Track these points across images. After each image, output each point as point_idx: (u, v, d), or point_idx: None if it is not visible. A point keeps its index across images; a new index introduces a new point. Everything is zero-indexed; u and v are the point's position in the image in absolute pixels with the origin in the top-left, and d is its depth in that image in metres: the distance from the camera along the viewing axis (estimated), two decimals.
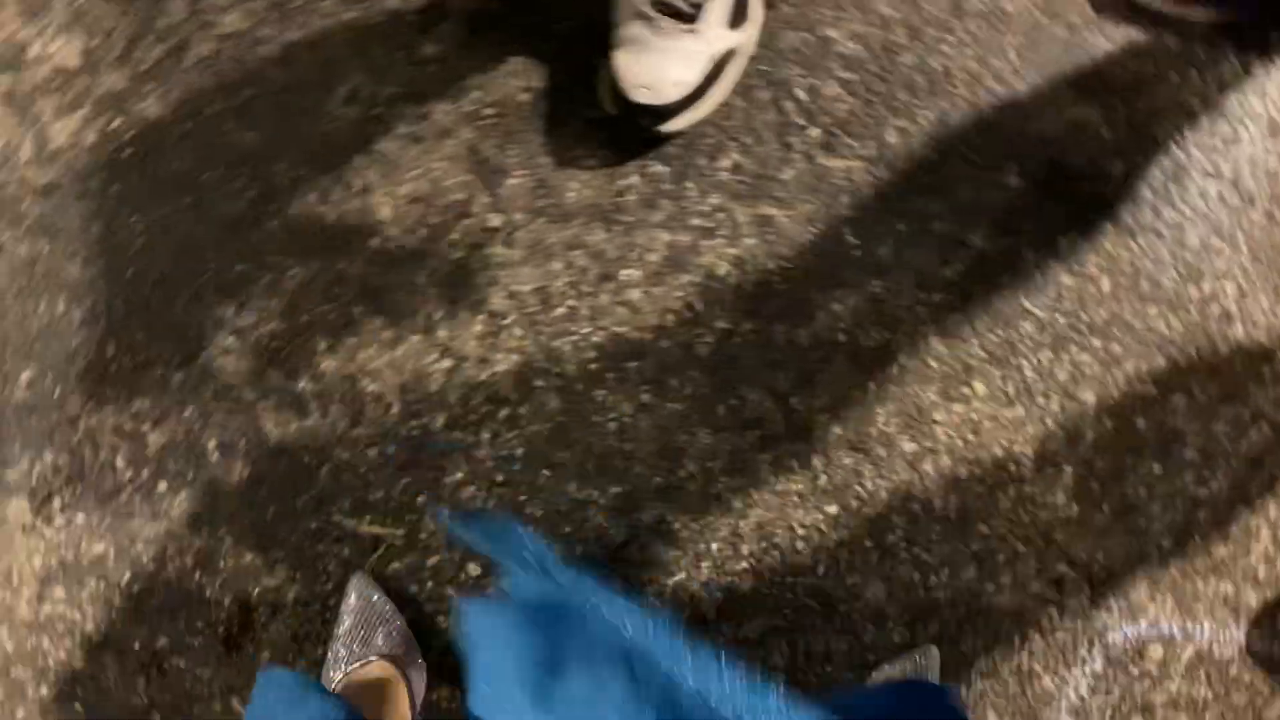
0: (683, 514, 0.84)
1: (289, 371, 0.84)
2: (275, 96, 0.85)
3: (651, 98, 0.80)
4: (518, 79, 0.86)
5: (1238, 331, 0.85)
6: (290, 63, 0.86)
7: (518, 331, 0.85)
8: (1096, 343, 0.84)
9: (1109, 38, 0.87)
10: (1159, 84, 0.87)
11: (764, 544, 0.83)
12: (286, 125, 0.84)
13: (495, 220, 0.85)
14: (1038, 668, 0.81)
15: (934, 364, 0.84)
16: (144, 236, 0.84)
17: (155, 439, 0.83)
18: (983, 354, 0.84)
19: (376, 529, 0.82)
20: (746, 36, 0.83)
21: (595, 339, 0.85)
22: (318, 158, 0.85)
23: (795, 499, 0.83)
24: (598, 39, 0.84)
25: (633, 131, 0.83)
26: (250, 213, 0.84)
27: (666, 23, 0.79)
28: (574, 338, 0.85)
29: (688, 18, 0.79)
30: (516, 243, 0.85)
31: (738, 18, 0.82)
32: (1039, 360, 0.84)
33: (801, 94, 0.86)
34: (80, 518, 0.82)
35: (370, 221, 0.85)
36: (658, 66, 0.80)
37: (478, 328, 0.85)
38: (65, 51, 0.86)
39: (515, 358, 0.85)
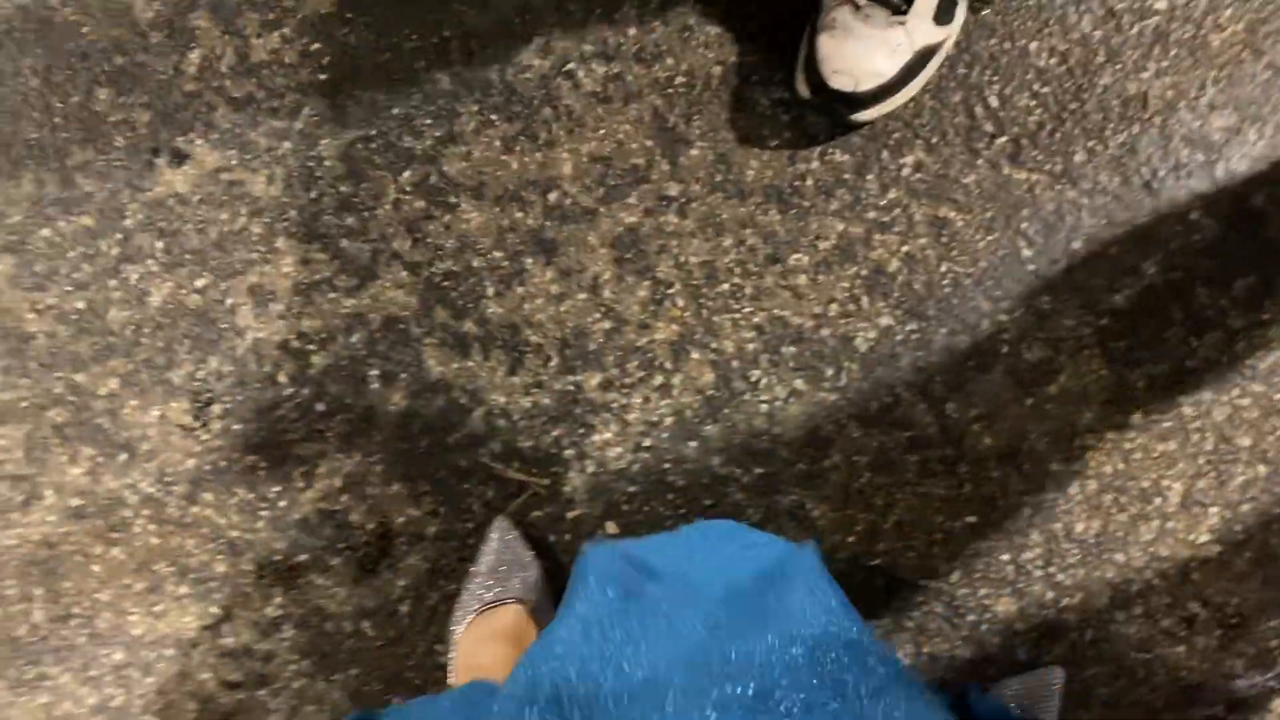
0: (822, 503, 0.85)
1: (456, 312, 0.86)
2: (470, 39, 0.86)
3: (849, 85, 0.81)
4: (712, 51, 0.87)
5: None
6: (488, 8, 0.87)
7: (680, 302, 0.86)
8: (1258, 388, 0.85)
9: None
10: None
11: (900, 543, 0.84)
12: (477, 69, 0.86)
13: (673, 189, 0.86)
14: (1159, 704, 0.81)
15: (1093, 387, 0.85)
16: (329, 161, 0.86)
17: (319, 360, 0.85)
18: (1143, 384, 0.85)
19: (523, 475, 0.84)
20: (949, 34, 0.84)
21: (756, 319, 0.86)
22: (504, 106, 0.86)
23: (937, 504, 0.85)
24: (799, 22, 0.85)
25: (821, 118, 0.84)
26: (431, 151, 0.86)
27: (876, 11, 0.80)
28: (735, 315, 0.86)
29: (898, 9, 0.79)
30: (690, 214, 0.86)
31: (944, 14, 0.82)
32: (1199, 399, 0.85)
33: (993, 101, 0.86)
34: (237, 427, 0.85)
35: (550, 174, 0.87)
36: (860, 55, 0.81)
37: (642, 293, 0.86)
38: None
39: (675, 327, 0.86)
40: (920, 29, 0.84)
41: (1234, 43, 0.90)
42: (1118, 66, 0.90)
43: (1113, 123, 0.90)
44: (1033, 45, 0.90)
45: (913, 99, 0.89)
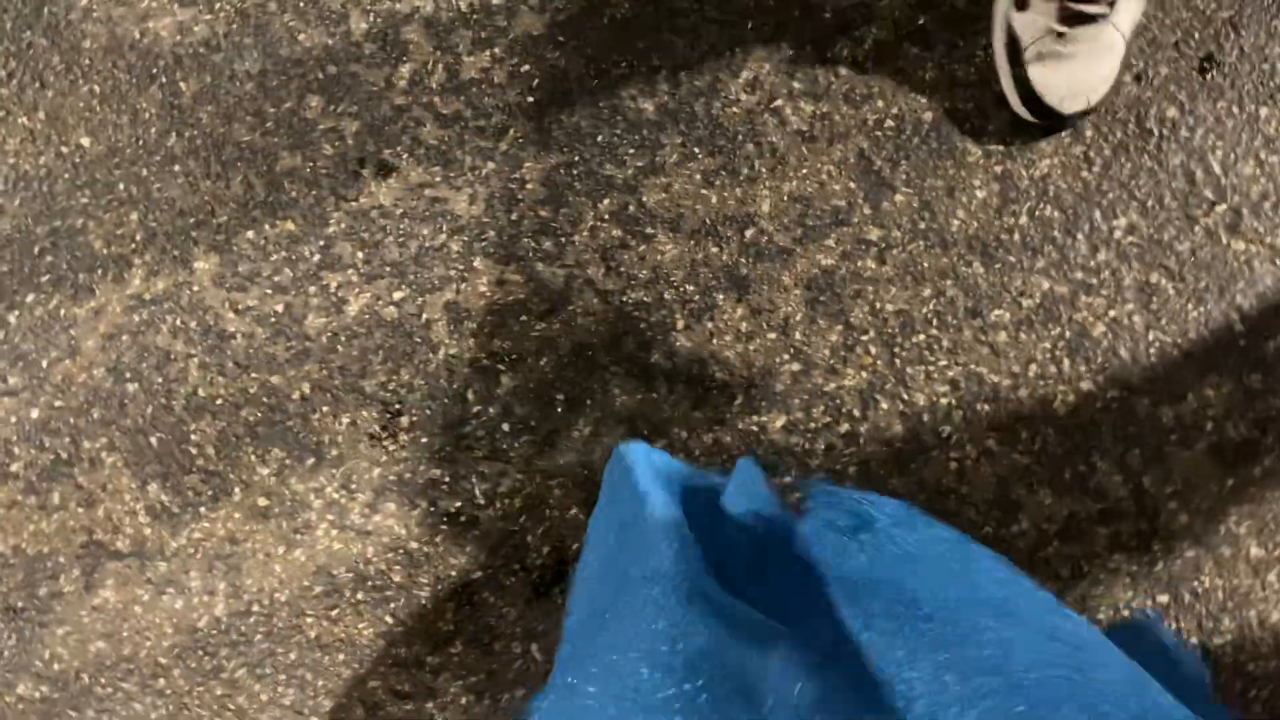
0: None
1: (644, 343, 0.87)
2: (679, 70, 0.88)
3: (1082, 104, 0.86)
4: (923, 96, 0.87)
5: None
6: (699, 38, 0.88)
7: (873, 350, 0.86)
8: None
9: None
10: None
11: (1084, 615, 0.82)
12: (684, 101, 0.88)
13: (873, 234, 0.86)
14: None
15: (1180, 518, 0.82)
16: (532, 184, 0.87)
17: (507, 380, 0.87)
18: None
19: None
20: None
21: (951, 373, 0.85)
22: (708, 139, 0.87)
23: (1127, 579, 0.83)
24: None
25: (1033, 154, 0.86)
26: (632, 180, 0.87)
27: (1080, 31, 0.78)
28: (929, 368, 0.85)
29: (1098, 17, 0.78)
30: (889, 260, 0.86)
31: None
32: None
33: (1216, 167, 0.85)
34: (424, 439, 0.87)
35: (748, 211, 0.87)
36: (1084, 74, 0.86)
37: (834, 337, 0.86)
38: None
39: (864, 375, 0.86)
40: (1127, 13, 0.86)
41: None
42: None
43: None
44: (1263, 111, 0.88)
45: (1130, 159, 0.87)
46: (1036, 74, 0.87)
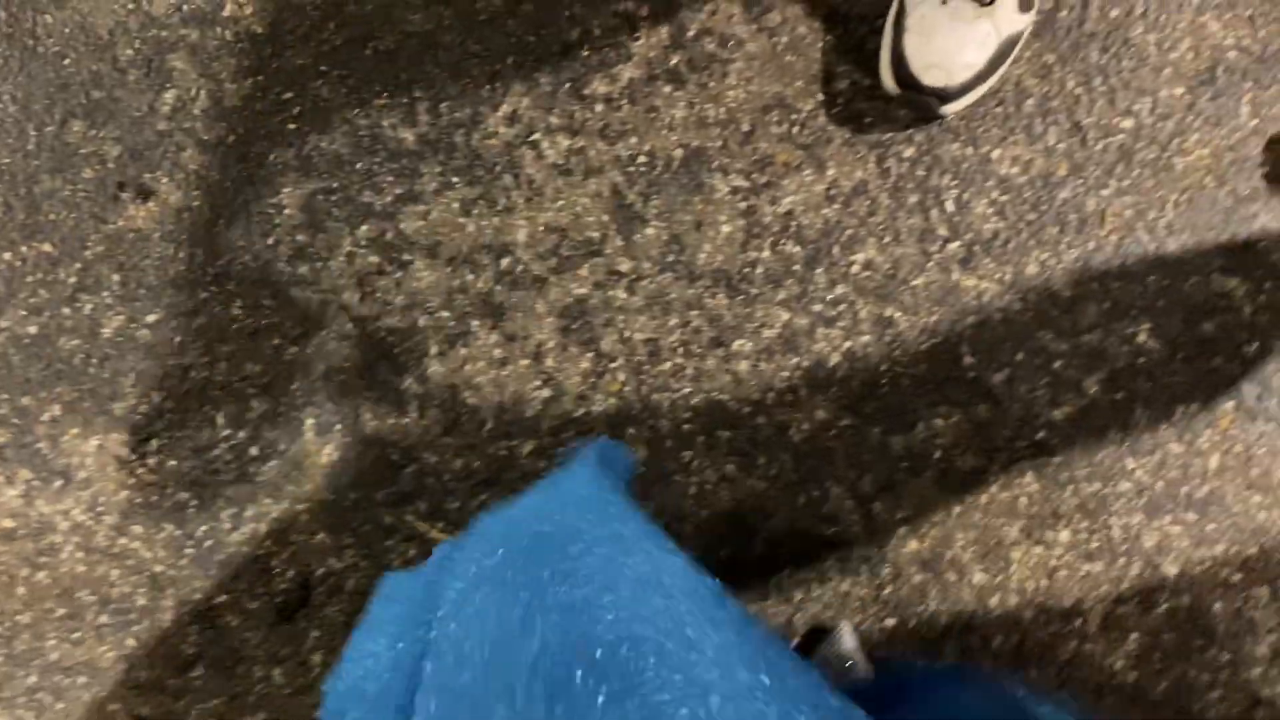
0: (741, 590, 0.87)
1: (397, 368, 0.89)
2: (440, 103, 0.90)
3: (941, 80, 0.89)
4: (675, 134, 0.90)
5: None
6: (461, 71, 0.91)
7: (621, 376, 0.89)
8: (1191, 517, 0.86)
9: (1273, 215, 0.89)
10: None
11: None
12: (444, 132, 0.90)
13: (624, 265, 0.90)
14: None
15: (1024, 502, 0.87)
16: (290, 210, 0.90)
17: (258, 405, 0.89)
18: (1075, 502, 0.87)
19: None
20: (1030, 21, 0.92)
21: (694, 401, 0.89)
22: (466, 170, 0.90)
23: (856, 603, 0.87)
24: (765, 112, 0.88)
25: (909, 111, 0.91)
26: (391, 208, 0.90)
27: (963, 5, 0.88)
28: (674, 395, 0.89)
29: (985, 2, 0.87)
30: (639, 291, 0.90)
31: (1026, 3, 0.91)
32: (1130, 523, 0.87)
33: (950, 206, 0.89)
34: (172, 463, 0.89)
35: (505, 240, 0.90)
36: (951, 49, 0.89)
37: (584, 364, 0.89)
38: (256, 19, 0.91)
39: (613, 401, 0.89)
40: (1007, 18, 0.91)
41: (1198, 168, 0.93)
42: (1079, 181, 0.93)
43: (1068, 237, 0.92)
44: (995, 153, 0.93)
45: (997, 88, 0.93)
46: (909, 40, 0.91)
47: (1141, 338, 0.94)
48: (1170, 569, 0.92)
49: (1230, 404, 0.93)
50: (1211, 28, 0.97)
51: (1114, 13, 0.97)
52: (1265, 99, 0.96)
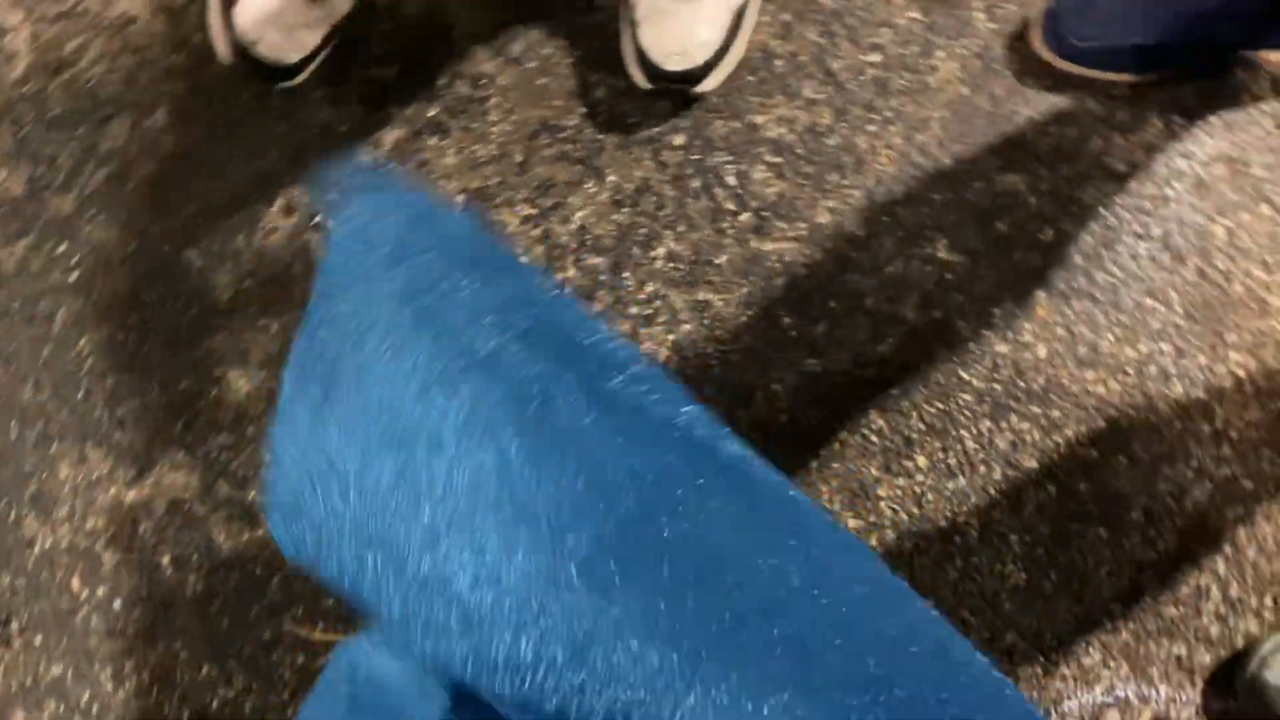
0: None
1: (238, 482, 0.90)
2: (215, 212, 0.93)
3: (685, 63, 0.94)
4: (453, 181, 0.94)
5: (1176, 390, 0.91)
6: (227, 178, 0.93)
7: None
8: (1036, 409, 0.90)
9: (1033, 107, 0.95)
10: (1084, 149, 0.94)
11: None
12: (225, 239, 0.92)
13: None
14: None
15: (875, 439, 0.90)
16: (92, 358, 0.91)
17: (109, 557, 0.89)
18: (923, 426, 0.90)
19: (329, 635, 0.88)
20: None
21: None
22: (255, 271, 0.91)
23: None
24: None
25: (664, 101, 0.96)
26: (194, 329, 0.91)
27: None
28: None
29: None
30: None
31: None
32: (979, 430, 0.90)
33: (731, 180, 0.93)
34: (39, 639, 0.88)
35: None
36: (686, 33, 0.93)
37: None
38: (10, 181, 0.93)
39: None
40: None
41: (952, 81, 0.98)
42: (844, 124, 0.97)
43: (849, 179, 0.96)
44: (759, 119, 0.98)
45: (743, 57, 0.98)
46: (644, 33, 0.95)
47: (941, 254, 0.98)
48: (1029, 463, 0.96)
49: (1041, 293, 0.98)
50: None
51: None
52: (995, 1, 1.02)
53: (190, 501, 0.95)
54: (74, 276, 0.99)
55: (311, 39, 0.95)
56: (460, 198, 0.99)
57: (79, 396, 0.97)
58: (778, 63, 1.00)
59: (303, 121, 1.00)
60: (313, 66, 0.98)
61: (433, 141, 1.00)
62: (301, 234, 0.99)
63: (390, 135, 1.00)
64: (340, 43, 1.00)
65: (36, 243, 0.99)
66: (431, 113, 1.00)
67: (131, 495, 0.96)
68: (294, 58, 0.95)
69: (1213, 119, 1.00)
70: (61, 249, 0.99)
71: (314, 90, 1.00)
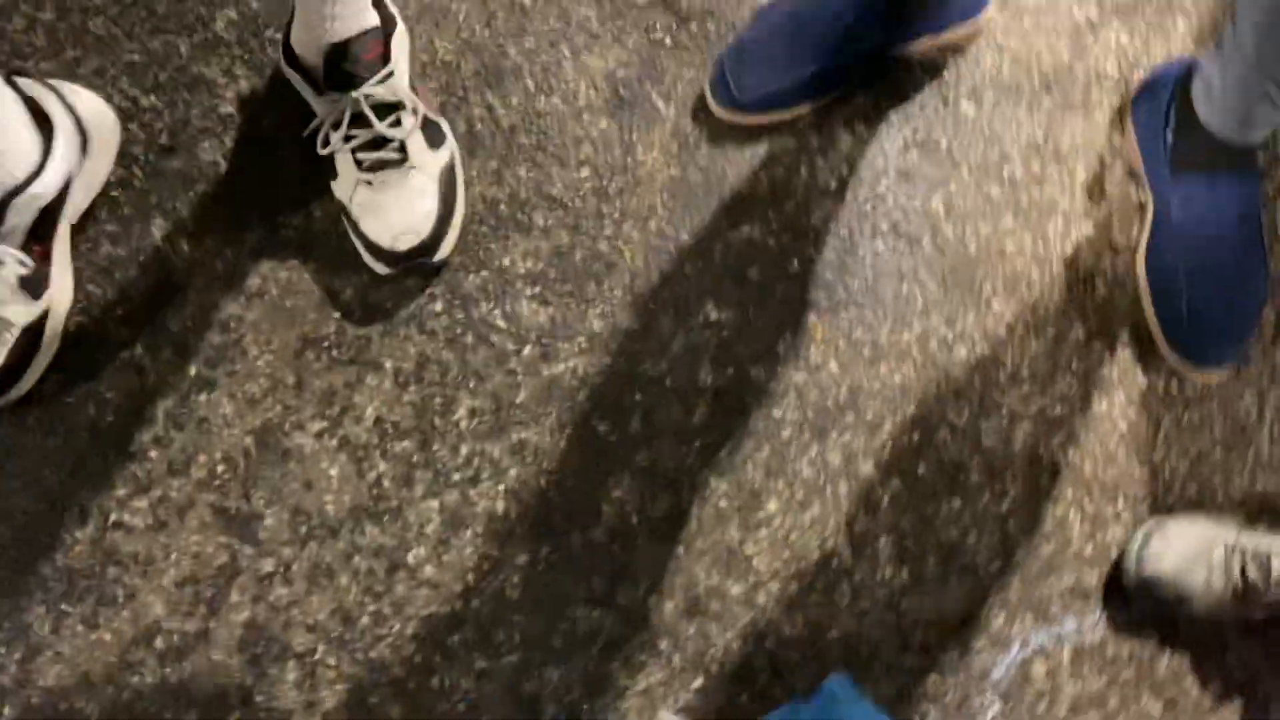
0: None
1: None
2: (14, 545, 0.90)
3: (414, 239, 0.98)
4: (235, 427, 0.94)
5: (961, 353, 0.99)
6: (6, 514, 0.91)
7: (331, 661, 0.91)
8: (850, 418, 0.97)
9: (737, 162, 1.04)
10: (794, 180, 1.04)
11: None
12: (26, 558, 0.89)
13: (268, 565, 0.92)
14: None
15: (724, 503, 0.95)
16: None
17: None
18: (761, 474, 0.95)
19: None
20: (450, 150, 1.04)
21: (409, 631, 0.92)
22: (71, 590, 0.89)
23: (660, 690, 0.91)
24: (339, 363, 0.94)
25: (419, 282, 1.02)
26: (20, 677, 0.88)
27: (385, 175, 0.97)
28: (389, 640, 0.91)
29: (398, 162, 0.98)
30: (295, 577, 0.91)
31: (434, 140, 1.02)
32: (811, 456, 0.96)
33: (501, 323, 0.98)
34: None
35: (147, 623, 0.90)
36: (403, 212, 0.99)
37: (291, 675, 0.90)
38: None
39: (341, 687, 0.90)
40: (426, 161, 1.01)
41: (658, 165, 1.06)
42: (582, 238, 1.04)
43: (607, 280, 1.03)
44: (506, 260, 1.04)
45: (465, 213, 1.04)
46: (367, 225, 0.99)
47: (713, 315, 1.05)
48: (867, 468, 1.02)
49: (811, 316, 1.06)
50: (592, 63, 1.13)
51: (515, 100, 1.11)
52: (668, 87, 1.12)
53: None
54: None
55: None
56: (250, 439, 1.00)
57: None
58: (501, 206, 1.07)
59: (66, 428, 0.99)
60: (26, 384, 0.97)
61: (203, 398, 1.01)
62: (103, 536, 0.97)
63: (158, 407, 1.00)
64: (69, 337, 1.00)
65: None
66: (192, 371, 1.01)
67: None
68: None
69: (892, 115, 1.12)
70: None
71: (64, 394, 0.99)
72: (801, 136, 1.11)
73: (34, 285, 0.96)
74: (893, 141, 1.12)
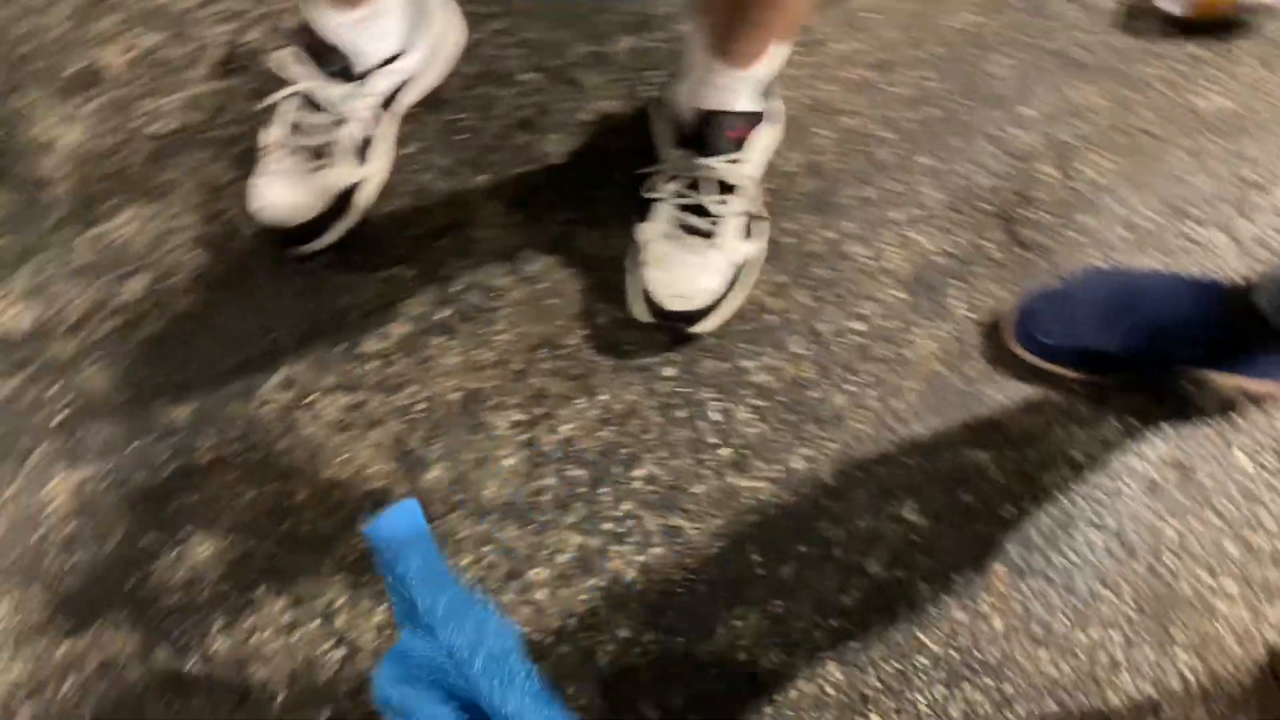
0: None
1: (179, 649, 0.90)
2: (214, 376, 0.97)
3: (686, 305, 1.03)
4: (451, 379, 0.99)
5: (1125, 680, 0.95)
6: (236, 345, 0.98)
7: None
8: (989, 682, 0.93)
9: (1002, 391, 1.04)
10: (1047, 436, 1.02)
11: None
12: (219, 404, 0.96)
13: None
14: None
15: (831, 691, 0.92)
16: (59, 500, 0.92)
17: (26, 710, 0.87)
18: (879, 685, 0.93)
19: None
20: (758, 248, 1.08)
21: None
22: (244, 437, 0.95)
23: None
24: (536, 364, 0.98)
25: (665, 342, 1.06)
26: (166, 486, 0.93)
27: (691, 240, 1.02)
28: None
29: (707, 234, 1.03)
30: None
31: (747, 232, 1.07)
32: (933, 696, 0.93)
33: (716, 415, 1.00)
34: None
35: (286, 504, 0.94)
36: (689, 279, 1.04)
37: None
38: (20, 318, 0.98)
39: None
40: (731, 247, 1.06)
41: (928, 357, 1.07)
42: (826, 380, 1.06)
43: (827, 431, 1.04)
44: (748, 364, 1.06)
45: (740, 306, 1.09)
46: (651, 274, 1.05)
47: (909, 515, 1.04)
48: None
49: (1000, 566, 1.04)
50: (916, 238, 1.16)
51: (829, 233, 1.15)
52: (973, 294, 1.14)
53: (128, 662, 0.94)
54: (58, 419, 1.01)
55: (315, 204, 1.05)
56: (457, 395, 1.05)
57: (35, 537, 0.97)
58: (769, 316, 1.10)
59: (318, 303, 1.07)
60: (326, 239, 1.07)
61: (438, 341, 1.07)
62: (294, 409, 1.03)
63: (398, 329, 1.07)
64: (364, 231, 1.10)
65: (29, 380, 1.02)
66: (442, 315, 1.08)
67: (65, 647, 0.94)
68: (296, 220, 1.04)
69: (1164, 425, 1.10)
70: (52, 391, 1.02)
71: (334, 275, 1.07)
72: (1072, 399, 1.10)
73: (362, 153, 1.08)
74: (1156, 451, 1.09)
